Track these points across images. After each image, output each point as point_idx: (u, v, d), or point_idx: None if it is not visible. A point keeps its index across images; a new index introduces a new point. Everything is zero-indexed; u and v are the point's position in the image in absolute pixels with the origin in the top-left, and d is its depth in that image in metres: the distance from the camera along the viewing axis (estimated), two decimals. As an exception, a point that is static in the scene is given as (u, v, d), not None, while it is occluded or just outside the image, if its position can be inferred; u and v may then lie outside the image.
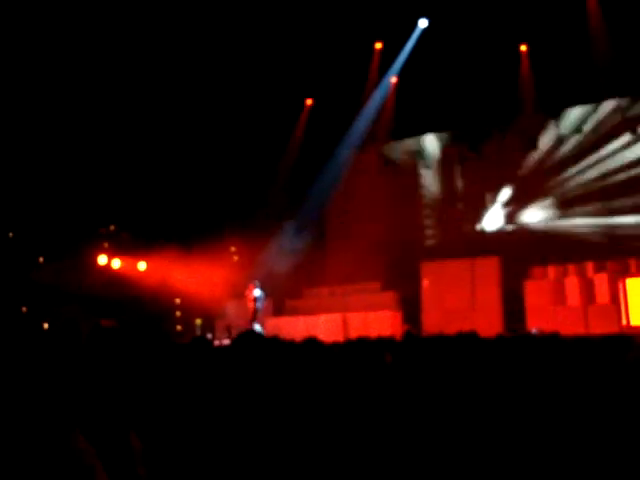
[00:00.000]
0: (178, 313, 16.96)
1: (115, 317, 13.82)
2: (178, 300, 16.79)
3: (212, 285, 15.08)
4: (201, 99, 14.59)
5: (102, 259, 15.25)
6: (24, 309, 14.40)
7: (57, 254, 15.15)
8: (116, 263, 15.42)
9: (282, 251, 15.39)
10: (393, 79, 16.14)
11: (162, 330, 14.94)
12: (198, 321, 16.73)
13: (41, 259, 15.65)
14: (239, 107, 14.87)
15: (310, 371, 3.04)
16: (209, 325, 15.96)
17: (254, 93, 14.63)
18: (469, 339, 4.81)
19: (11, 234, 14.72)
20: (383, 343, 4.62)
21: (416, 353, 4.54)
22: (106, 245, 15.83)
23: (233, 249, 17.32)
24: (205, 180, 15.46)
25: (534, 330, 5.63)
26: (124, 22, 12.77)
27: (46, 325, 13.70)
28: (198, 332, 15.82)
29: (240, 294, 15.25)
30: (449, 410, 3.06)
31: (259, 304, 14.16)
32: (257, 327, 13.07)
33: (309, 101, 16.79)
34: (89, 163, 14.27)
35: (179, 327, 16.85)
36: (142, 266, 15.70)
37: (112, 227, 16.61)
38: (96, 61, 13.18)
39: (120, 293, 14.74)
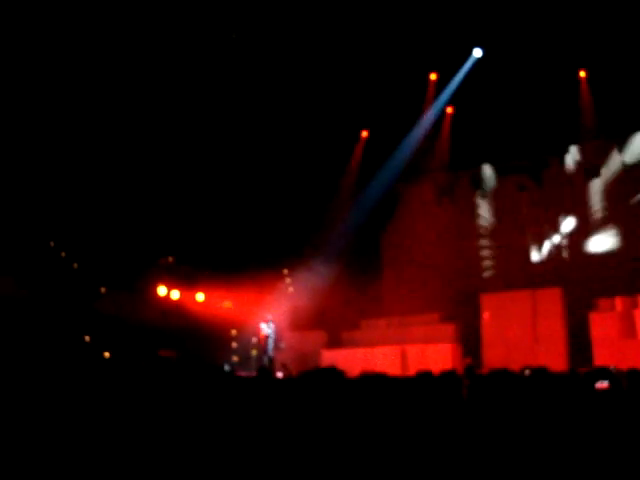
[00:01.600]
0: (234, 344, 17.04)
1: (174, 347, 14.05)
2: (234, 331, 16.90)
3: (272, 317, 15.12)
4: (258, 132, 14.83)
5: (162, 290, 15.52)
6: (87, 338, 14.73)
7: (118, 285, 15.51)
8: (175, 294, 15.67)
9: (311, 284, 15.37)
10: (449, 109, 16.05)
11: (221, 361, 15.03)
12: (254, 352, 16.76)
13: (103, 289, 16.04)
14: (296, 139, 15.04)
15: (382, 406, 2.96)
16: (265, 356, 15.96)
17: (311, 125, 14.79)
18: (539, 375, 4.61)
19: (75, 265, 15.16)
20: (449, 378, 4.48)
21: (483, 389, 4.38)
22: (165, 276, 16.12)
23: (288, 280, 17.38)
24: (262, 212, 15.63)
25: (612, 367, 5.34)
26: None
27: (107, 354, 13.97)
28: (254, 363, 15.83)
29: (296, 326, 15.26)
30: (525, 449, 2.91)
31: (270, 340, 14.20)
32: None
33: (364, 133, 16.83)
34: (147, 196, 14.63)
35: (235, 358, 16.92)
36: (200, 297, 15.91)
37: (170, 259, 16.93)
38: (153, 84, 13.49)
39: (179, 324, 14.94)
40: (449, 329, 14.09)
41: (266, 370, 4.36)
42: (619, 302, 12.91)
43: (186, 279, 16.19)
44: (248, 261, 15.28)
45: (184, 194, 15.03)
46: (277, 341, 14.48)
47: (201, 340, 14.95)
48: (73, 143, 13.48)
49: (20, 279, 13.46)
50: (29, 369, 4.63)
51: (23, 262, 13.58)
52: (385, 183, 16.36)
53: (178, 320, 15.10)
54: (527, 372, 8.29)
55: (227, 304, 15.55)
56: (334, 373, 3.01)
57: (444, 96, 15.60)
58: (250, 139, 14.92)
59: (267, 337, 14.13)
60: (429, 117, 15.80)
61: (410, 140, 15.96)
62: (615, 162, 14.63)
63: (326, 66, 13.85)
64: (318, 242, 15.77)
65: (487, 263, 16.06)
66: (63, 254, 14.92)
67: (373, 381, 3.20)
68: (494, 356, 13.02)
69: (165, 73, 13.35)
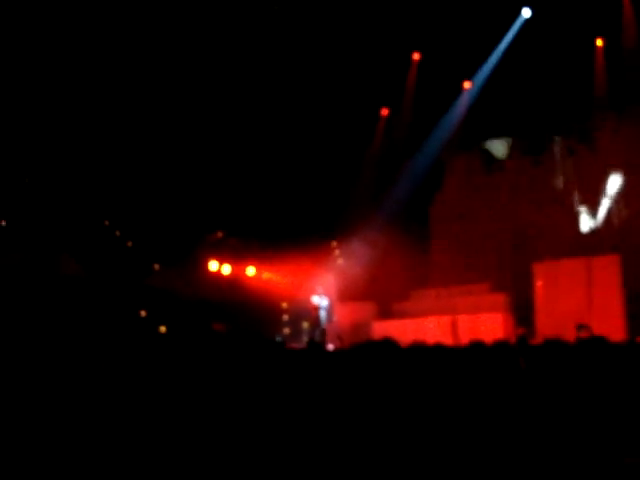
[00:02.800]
0: (285, 317, 17.27)
1: (226, 321, 14.34)
2: (285, 304, 17.11)
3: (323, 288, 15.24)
4: (301, 103, 14.82)
5: (213, 265, 15.81)
6: (143, 313, 15.17)
7: (171, 261, 15.86)
8: (226, 269, 15.94)
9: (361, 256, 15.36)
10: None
11: (273, 334, 15.28)
12: (305, 324, 16.96)
13: (156, 266, 16.44)
14: (342, 109, 14.98)
15: (436, 376, 2.96)
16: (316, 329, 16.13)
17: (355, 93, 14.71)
18: (596, 344, 4.52)
19: (130, 243, 15.57)
20: (502, 348, 4.43)
21: (537, 359, 4.32)
22: (216, 251, 16.40)
23: (337, 252, 17.43)
24: (309, 183, 15.67)
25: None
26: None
27: (163, 328, 14.37)
28: (306, 336, 16.02)
29: (347, 297, 15.32)
30: (581, 419, 2.88)
31: (322, 312, 14.20)
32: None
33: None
34: (196, 175, 14.86)
35: (287, 330, 17.16)
36: (251, 271, 16.14)
37: (220, 234, 17.19)
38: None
39: (230, 297, 15.21)
40: (500, 298, 13.88)
41: (316, 343, 4.40)
42: (680, 268, 12.48)
43: (236, 253, 16.44)
44: (297, 233, 15.38)
45: (231, 169, 15.19)
46: (329, 313, 14.56)
47: (252, 313, 15.21)
48: (121, 125, 13.76)
49: (81, 260, 13.94)
50: (90, 344, 4.81)
51: (83, 243, 14.05)
52: (432, 153, 16.19)
53: (230, 294, 15.38)
54: (582, 330, 8.14)
55: (270, 276, 15.69)
56: (389, 345, 3.02)
57: (491, 61, 15.25)
58: (294, 110, 14.93)
59: (319, 309, 14.23)
60: (474, 86, 15.54)
61: (456, 110, 15.71)
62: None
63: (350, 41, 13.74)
64: (367, 213, 15.74)
65: (540, 231, 15.72)
66: (118, 233, 15.33)
67: (426, 351, 3.20)
68: (547, 326, 12.78)
69: (199, 48, 13.45)
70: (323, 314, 14.31)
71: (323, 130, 15.29)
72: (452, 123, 15.80)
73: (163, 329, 14.48)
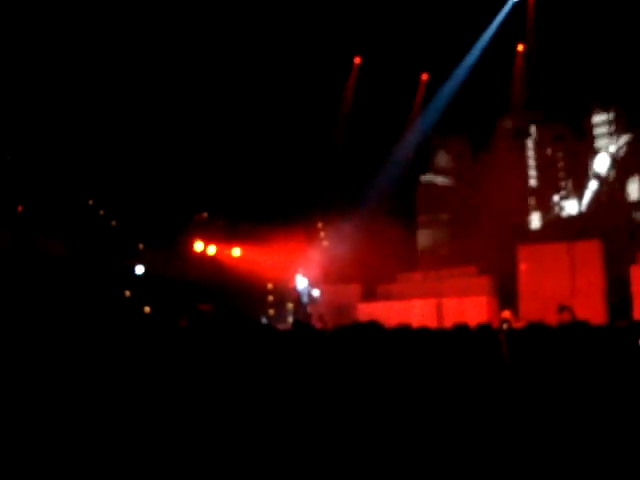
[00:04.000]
0: (271, 297, 17.29)
1: (211, 302, 14.32)
2: (270, 285, 17.12)
3: (304, 270, 15.24)
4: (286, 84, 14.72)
5: (198, 246, 15.75)
6: (127, 293, 15.11)
7: (156, 241, 15.79)
8: (212, 249, 15.89)
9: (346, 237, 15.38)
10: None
11: (258, 315, 15.31)
12: (290, 305, 16.99)
13: (141, 246, 16.35)
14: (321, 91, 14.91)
15: (419, 359, 2.98)
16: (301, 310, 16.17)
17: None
18: (578, 328, 4.56)
19: (114, 222, 15.46)
20: (485, 331, 4.46)
21: (519, 342, 4.36)
22: (201, 232, 16.33)
23: (322, 233, 17.44)
24: (295, 164, 15.60)
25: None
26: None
27: (148, 309, 14.34)
28: (291, 317, 16.06)
29: (331, 279, 15.35)
30: (562, 403, 2.91)
31: (304, 297, 14.14)
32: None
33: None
34: (182, 155, 14.75)
35: (272, 311, 17.19)
36: (236, 252, 16.11)
37: (205, 214, 17.11)
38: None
39: (216, 278, 15.19)
40: (485, 282, 13.99)
41: (301, 323, 4.41)
42: (661, 254, 12.63)
43: (222, 234, 16.38)
44: (283, 214, 15.34)
45: (215, 149, 15.08)
46: (309, 294, 14.53)
47: (237, 294, 15.21)
48: (105, 104, 13.61)
49: (68, 240, 13.84)
50: (74, 323, 4.78)
51: (67, 223, 13.93)
52: (419, 135, 16.20)
53: (215, 275, 15.35)
54: (563, 311, 8.23)
55: (256, 257, 15.65)
56: (374, 327, 3.03)
57: (482, 42, 15.22)
58: (280, 88, 14.82)
59: (299, 290, 14.21)
60: (463, 69, 15.50)
61: (445, 91, 15.67)
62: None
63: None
64: (354, 195, 15.72)
65: (526, 214, 15.83)
66: (102, 212, 15.21)
67: (410, 334, 3.22)
68: (531, 309, 12.92)
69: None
70: (305, 295, 14.27)
71: (310, 111, 15.19)
72: (439, 107, 15.77)
73: (147, 309, 14.46)
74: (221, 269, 15.71)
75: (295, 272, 14.93)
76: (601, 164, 14.76)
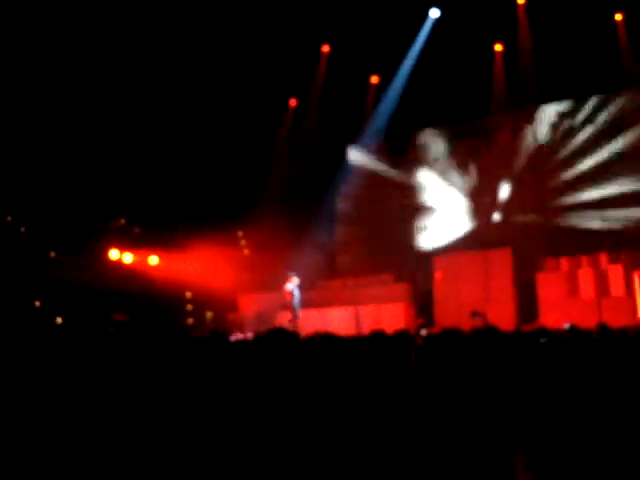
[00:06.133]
0: (189, 307, 16.99)
1: (127, 311, 13.91)
2: (189, 294, 16.82)
3: (223, 279, 15.07)
4: (204, 91, 14.57)
5: (114, 253, 15.27)
6: (37, 303, 14.46)
7: (69, 249, 15.20)
8: (127, 257, 15.45)
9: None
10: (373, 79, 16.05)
11: (176, 323, 14.97)
12: (209, 314, 16.76)
13: (53, 254, 15.70)
14: (246, 95, 14.85)
15: (330, 368, 3.00)
16: (220, 319, 15.98)
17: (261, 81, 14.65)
18: (487, 334, 4.74)
19: (23, 229, 14.76)
20: (401, 337, 4.56)
21: (434, 349, 4.48)
22: (117, 239, 15.86)
23: (243, 242, 17.33)
24: (214, 174, 15.45)
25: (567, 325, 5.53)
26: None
27: (59, 319, 13.76)
28: (209, 326, 15.84)
29: (252, 288, 15.25)
30: (469, 407, 3.01)
31: (296, 299, 13.43)
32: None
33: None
34: (96, 158, 14.29)
35: (190, 320, 16.89)
36: (154, 260, 15.73)
37: (122, 221, 16.63)
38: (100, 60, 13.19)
39: (132, 287, 14.77)
40: (402, 289, 14.31)
41: (218, 333, 4.35)
42: (564, 262, 13.32)
43: (139, 242, 15.97)
44: (203, 222, 15.12)
45: (134, 154, 14.70)
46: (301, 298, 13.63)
47: (155, 303, 14.85)
48: (16, 104, 13.02)
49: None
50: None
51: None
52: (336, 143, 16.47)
53: (131, 283, 14.92)
54: (476, 317, 8.52)
55: (174, 265, 15.32)
56: (283, 334, 3.03)
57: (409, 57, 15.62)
58: (197, 100, 14.65)
59: (292, 294, 13.37)
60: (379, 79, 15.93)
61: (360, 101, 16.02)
62: (565, 125, 14.92)
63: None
64: (274, 203, 15.71)
65: (441, 224, 16.29)
66: (9, 218, 14.49)
67: (324, 341, 3.24)
68: (446, 316, 13.30)
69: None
70: (296, 299, 13.40)
71: (230, 120, 15.10)
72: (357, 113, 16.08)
73: (59, 320, 13.87)
74: (138, 278, 15.29)
75: (219, 280, 14.71)
76: (513, 175, 15.43)
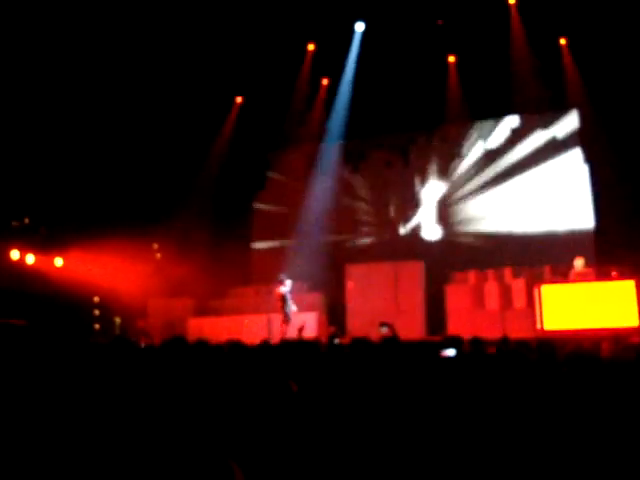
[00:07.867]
0: (97, 311, 16.36)
1: (28, 316, 13.19)
2: (97, 298, 16.20)
3: (133, 283, 14.63)
4: (126, 93, 14.16)
5: (14, 254, 14.47)
6: None
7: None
8: (30, 258, 14.67)
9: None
10: (324, 81, 16.21)
11: (79, 329, 14.34)
12: (117, 320, 16.20)
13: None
14: (165, 103, 14.55)
15: (236, 376, 2.96)
16: (130, 324, 15.49)
17: (183, 89, 14.40)
18: (391, 343, 4.84)
19: None
20: (307, 346, 4.57)
21: (343, 358, 4.53)
22: (19, 239, 15.04)
23: (156, 246, 16.89)
24: (127, 175, 15.00)
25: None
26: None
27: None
28: (117, 331, 15.32)
29: (162, 293, 14.90)
30: (378, 411, 3.04)
31: (289, 302, 12.74)
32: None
33: (239, 99, 16.66)
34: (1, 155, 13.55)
35: (97, 326, 16.26)
36: (59, 262, 15.03)
37: (26, 220, 15.81)
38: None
39: (34, 290, 14.05)
40: (315, 298, 14.40)
41: (123, 339, 4.20)
42: (472, 276, 13.84)
43: (44, 243, 15.22)
44: (115, 225, 14.61)
45: (43, 153, 14.04)
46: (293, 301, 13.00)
47: (59, 308, 14.17)
48: None
49: None
50: None
51: None
52: (256, 151, 16.40)
53: (33, 286, 14.19)
54: (383, 330, 8.66)
55: (81, 268, 14.70)
56: (185, 343, 2.96)
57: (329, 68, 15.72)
58: (119, 101, 14.22)
59: (284, 298, 12.64)
60: (303, 88, 15.92)
61: (282, 109, 15.99)
62: (479, 144, 15.50)
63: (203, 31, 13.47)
64: (188, 208, 15.42)
65: (355, 235, 16.51)
66: None
67: (232, 349, 3.19)
68: (357, 325, 13.49)
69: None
70: (288, 300, 12.76)
71: (151, 124, 14.76)
72: (278, 121, 16.04)
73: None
74: (41, 280, 14.56)
75: (124, 285, 14.28)
76: (426, 190, 15.87)
